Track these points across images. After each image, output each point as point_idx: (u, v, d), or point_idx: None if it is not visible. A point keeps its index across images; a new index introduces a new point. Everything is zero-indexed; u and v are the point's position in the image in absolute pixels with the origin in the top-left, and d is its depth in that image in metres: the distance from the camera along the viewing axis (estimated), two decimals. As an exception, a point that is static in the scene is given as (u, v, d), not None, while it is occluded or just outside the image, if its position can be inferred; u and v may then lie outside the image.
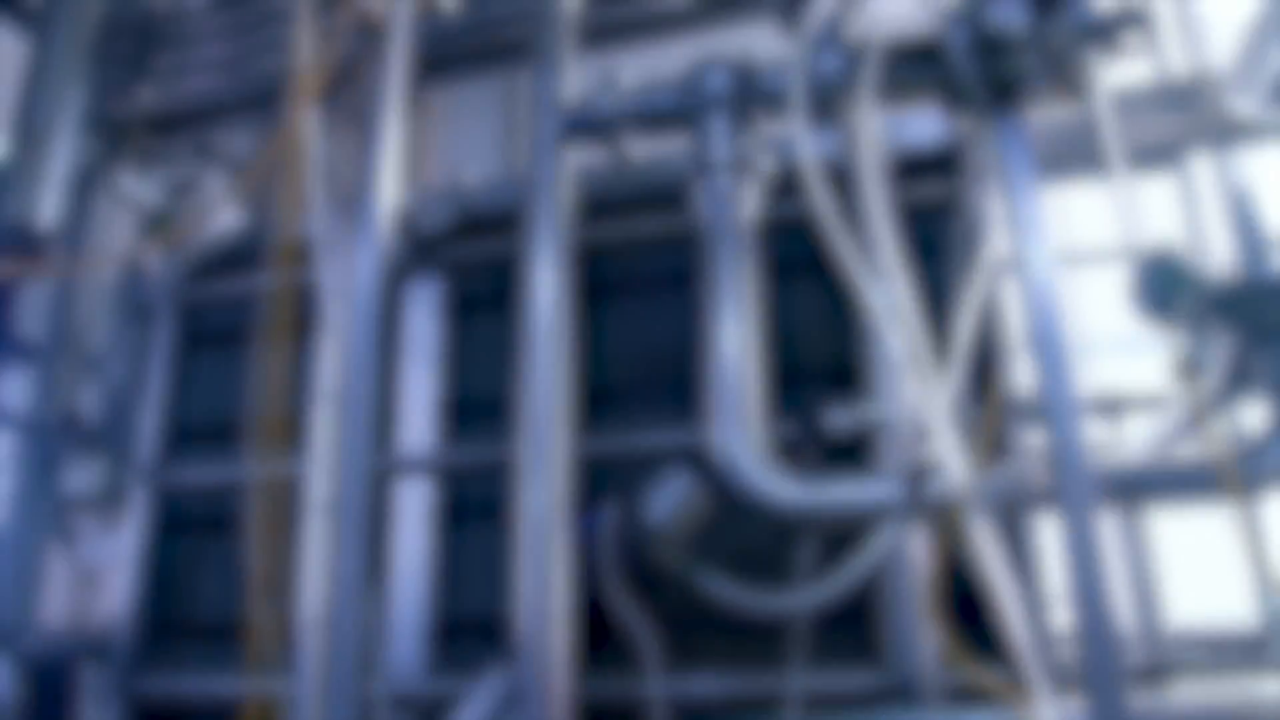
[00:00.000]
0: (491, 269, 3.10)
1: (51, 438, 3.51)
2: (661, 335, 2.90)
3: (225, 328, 3.36)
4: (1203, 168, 3.27)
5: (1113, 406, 2.62)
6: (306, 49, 2.23)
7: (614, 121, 2.16)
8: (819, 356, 2.76)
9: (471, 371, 3.06)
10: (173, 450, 3.29)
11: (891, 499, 1.81)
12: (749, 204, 2.09)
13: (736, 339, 1.98)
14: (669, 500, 2.23)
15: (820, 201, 1.85)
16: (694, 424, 2.76)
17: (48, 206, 3.50)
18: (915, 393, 1.79)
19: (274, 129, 5.33)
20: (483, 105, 5.36)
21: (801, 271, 2.85)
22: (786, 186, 2.35)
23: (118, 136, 4.02)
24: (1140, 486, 1.77)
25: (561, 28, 2.24)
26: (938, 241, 2.79)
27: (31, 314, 3.55)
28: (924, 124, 3.05)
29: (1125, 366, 2.80)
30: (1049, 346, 1.66)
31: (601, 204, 3.01)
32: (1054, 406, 1.65)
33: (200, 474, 3.21)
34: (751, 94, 2.09)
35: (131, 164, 3.85)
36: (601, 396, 2.87)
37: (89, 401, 3.77)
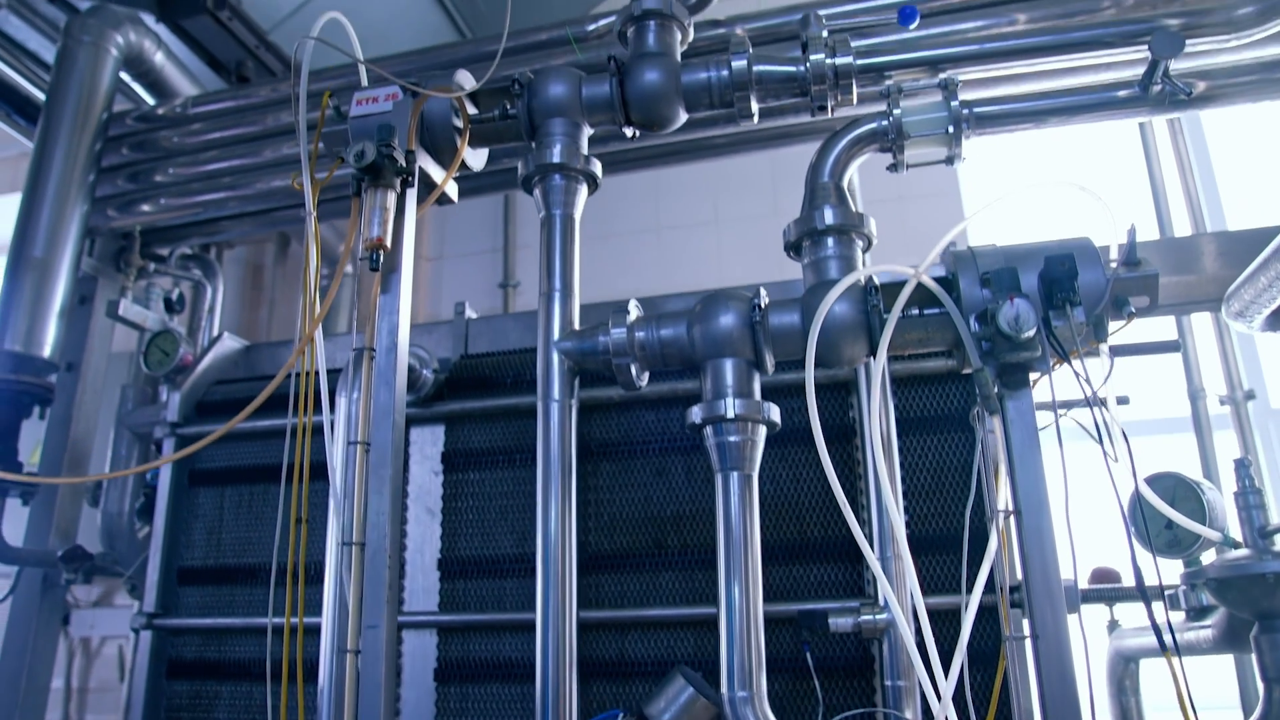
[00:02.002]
0: (493, 421, 3.12)
1: (54, 570, 3.53)
2: (662, 500, 2.93)
3: (226, 466, 3.37)
4: (1205, 331, 3.32)
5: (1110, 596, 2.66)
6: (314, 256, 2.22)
7: (624, 357, 2.17)
8: (825, 530, 2.80)
9: (470, 524, 3.09)
10: (176, 591, 3.31)
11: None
12: (760, 449, 2.12)
13: (744, 611, 2.00)
14: (675, 708, 2.27)
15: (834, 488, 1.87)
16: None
17: (49, 334, 3.49)
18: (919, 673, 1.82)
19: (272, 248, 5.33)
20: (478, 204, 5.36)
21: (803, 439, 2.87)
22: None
23: (116, 252, 4.01)
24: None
25: (566, 272, 2.25)
26: (943, 409, 2.82)
27: (28, 444, 3.55)
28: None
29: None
30: (1056, 678, 1.69)
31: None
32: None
33: (204, 617, 3.23)
34: (764, 336, 2.10)
35: (129, 279, 3.84)
36: (599, 563, 2.91)
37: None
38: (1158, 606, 1.72)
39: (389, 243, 2.17)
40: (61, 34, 3.92)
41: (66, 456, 3.78)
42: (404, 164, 2.20)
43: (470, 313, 3.46)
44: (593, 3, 5.01)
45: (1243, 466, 1.95)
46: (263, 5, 4.48)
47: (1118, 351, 2.08)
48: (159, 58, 4.19)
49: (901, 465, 2.77)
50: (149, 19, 4.47)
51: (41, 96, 4.56)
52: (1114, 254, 2.01)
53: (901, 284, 2.01)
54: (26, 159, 4.87)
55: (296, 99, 2.22)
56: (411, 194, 2.29)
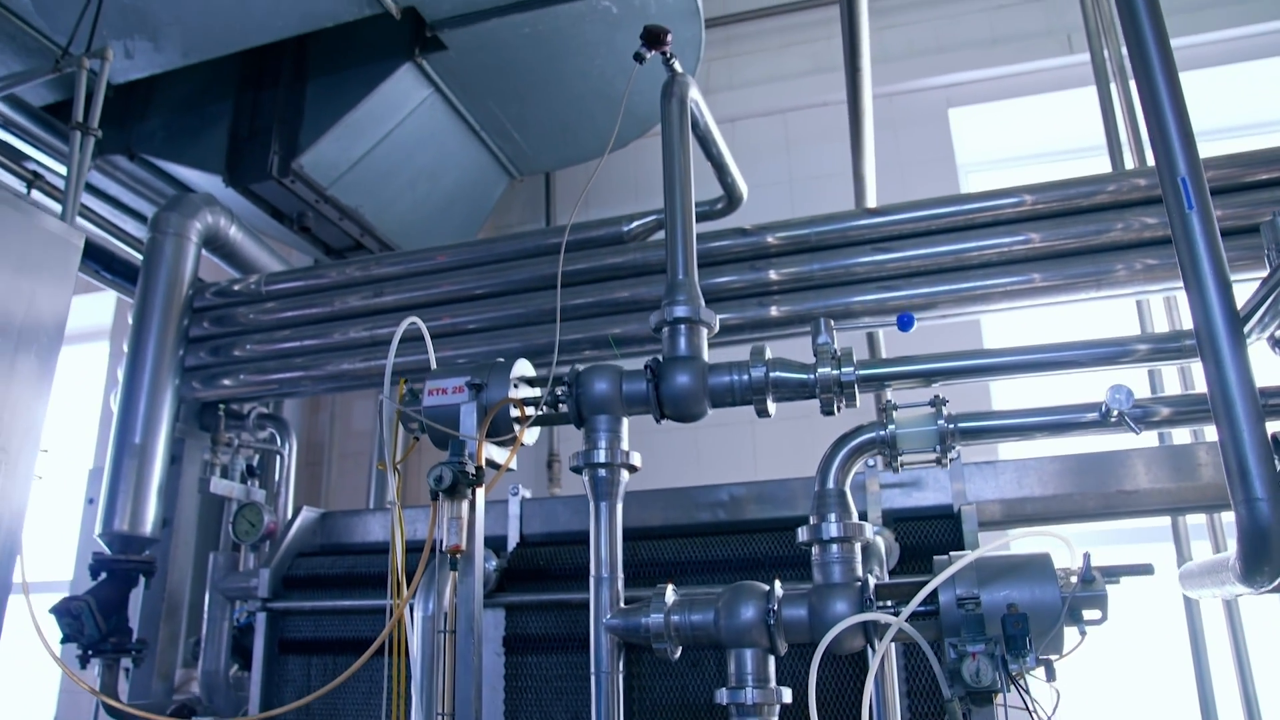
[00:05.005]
0: (548, 611, 3.55)
1: (162, 723, 4.02)
2: (696, 689, 3.35)
3: (312, 638, 3.84)
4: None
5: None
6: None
7: (661, 641, 2.59)
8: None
9: (530, 703, 3.52)
10: (271, 751, 3.78)
11: None
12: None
13: None
14: None
15: None
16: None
17: (150, 512, 3.96)
18: None
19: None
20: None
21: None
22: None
23: (199, 410, 4.47)
24: None
25: (612, 559, 2.66)
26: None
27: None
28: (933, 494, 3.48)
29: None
30: None
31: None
32: None
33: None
34: (778, 630, 2.51)
35: (215, 455, 4.29)
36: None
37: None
38: None
39: (465, 546, 2.59)
40: (149, 227, 4.37)
41: (164, 606, 4.27)
42: (475, 477, 2.61)
43: (525, 492, 3.88)
44: (617, 136, 5.34)
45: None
46: (322, 165, 4.88)
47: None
48: (232, 231, 4.63)
49: (905, 668, 3.17)
50: (217, 181, 4.92)
51: (122, 248, 5.03)
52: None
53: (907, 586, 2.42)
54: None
55: (380, 419, 2.63)
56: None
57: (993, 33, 6.00)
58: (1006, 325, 5.40)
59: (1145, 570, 2.59)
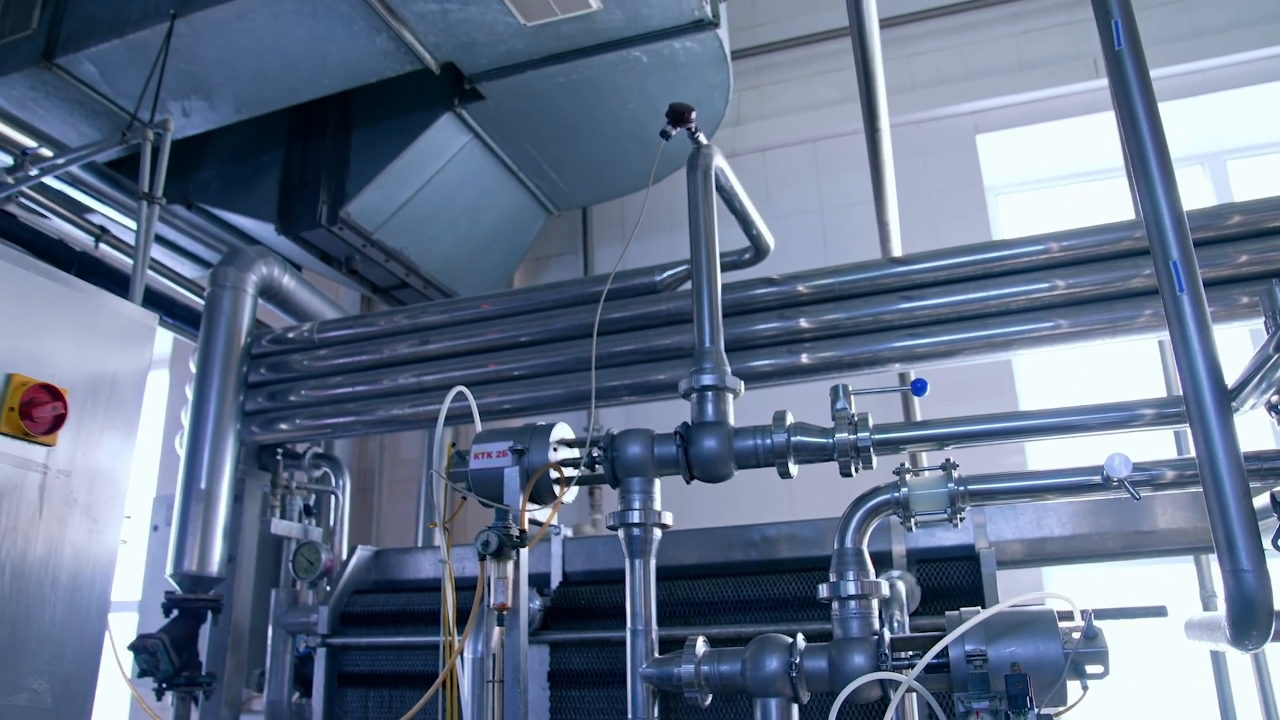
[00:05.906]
0: (590, 648, 3.76)
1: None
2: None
3: (369, 671, 4.08)
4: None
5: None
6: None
7: (692, 690, 2.79)
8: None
9: (575, 737, 3.74)
10: (332, 782, 4.05)
11: None
12: (799, 773, 2.72)
13: None
14: None
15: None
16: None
17: (216, 552, 4.23)
18: None
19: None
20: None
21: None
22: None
23: (258, 450, 4.73)
24: None
25: (646, 612, 2.86)
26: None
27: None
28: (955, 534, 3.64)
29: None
30: None
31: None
32: None
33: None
34: (800, 681, 2.70)
35: (275, 497, 4.55)
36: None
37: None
38: None
39: (510, 603, 2.81)
40: (209, 281, 4.63)
41: (230, 637, 4.55)
42: (519, 540, 2.82)
43: (566, 531, 4.09)
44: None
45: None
46: (368, 211, 5.13)
47: (1102, 615, 2.62)
48: (286, 280, 4.89)
49: (926, 705, 3.34)
50: (270, 228, 5.18)
51: (182, 293, 5.31)
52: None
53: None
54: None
55: (431, 486, 2.85)
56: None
57: (1020, 58, 6.10)
58: (1039, 358, 5.52)
59: (1158, 613, 2.73)
